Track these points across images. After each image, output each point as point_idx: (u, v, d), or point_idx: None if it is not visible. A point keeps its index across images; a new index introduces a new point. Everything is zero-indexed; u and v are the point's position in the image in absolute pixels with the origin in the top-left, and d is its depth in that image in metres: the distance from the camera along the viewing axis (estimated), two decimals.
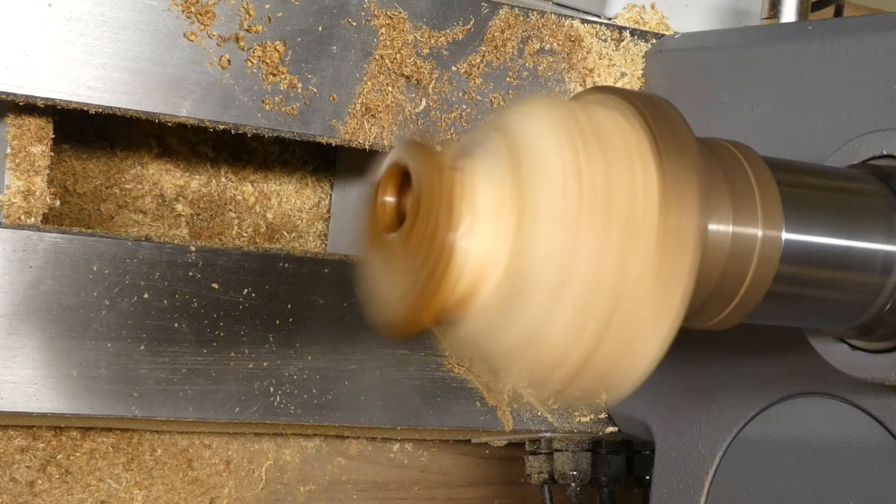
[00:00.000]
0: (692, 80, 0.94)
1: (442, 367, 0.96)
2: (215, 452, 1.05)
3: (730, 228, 0.63)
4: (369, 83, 0.91)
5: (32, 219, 0.84)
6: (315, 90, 0.89)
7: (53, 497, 0.98)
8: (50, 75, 0.81)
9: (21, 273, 0.83)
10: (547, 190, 0.54)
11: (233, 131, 0.87)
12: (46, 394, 0.84)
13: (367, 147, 0.91)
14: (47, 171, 0.85)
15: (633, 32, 1.00)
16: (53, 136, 0.86)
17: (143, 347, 0.86)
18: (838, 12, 1.09)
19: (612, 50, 0.99)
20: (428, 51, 0.92)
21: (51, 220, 0.90)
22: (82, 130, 1.01)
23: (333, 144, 0.91)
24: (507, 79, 0.95)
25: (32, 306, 0.83)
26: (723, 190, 0.63)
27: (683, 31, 1.03)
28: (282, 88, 0.88)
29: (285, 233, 1.08)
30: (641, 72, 1.00)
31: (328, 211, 1.10)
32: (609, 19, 1.04)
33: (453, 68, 0.93)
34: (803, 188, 0.68)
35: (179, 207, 1.04)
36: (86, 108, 0.83)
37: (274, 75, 0.87)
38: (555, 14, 0.97)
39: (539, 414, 1.01)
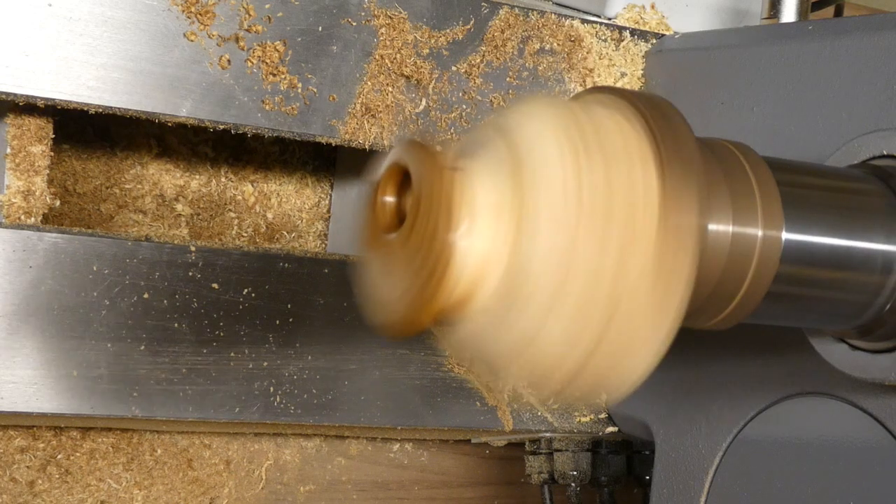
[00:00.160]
0: (692, 80, 0.94)
1: (442, 367, 0.96)
2: (215, 452, 1.05)
3: (730, 228, 0.63)
4: (369, 83, 0.91)
5: (32, 219, 0.84)
6: (315, 90, 0.89)
7: (53, 497, 0.98)
8: (50, 75, 0.81)
9: (21, 273, 0.83)
10: (546, 190, 0.54)
11: (233, 131, 0.87)
12: (46, 394, 0.84)
13: (367, 147, 0.91)
14: (47, 171, 0.85)
15: (633, 32, 1.00)
16: (53, 136, 0.86)
17: (143, 347, 0.86)
18: (838, 12, 1.08)
19: (612, 50, 0.99)
20: (428, 51, 0.92)
21: (51, 220, 0.90)
22: (82, 130, 1.01)
23: (333, 144, 0.91)
24: (507, 79, 0.95)
25: (32, 306, 0.83)
26: (723, 190, 0.63)
27: (683, 31, 1.03)
28: (282, 88, 0.88)
29: (285, 233, 1.08)
30: (641, 72, 1.00)
31: (328, 211, 1.10)
32: (609, 19, 1.04)
33: (453, 68, 0.93)
34: (803, 188, 0.68)
35: (179, 207, 1.04)
36: (86, 108, 0.83)
37: (274, 75, 0.87)
38: (555, 14, 0.97)
39: (539, 414, 1.01)
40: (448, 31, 0.93)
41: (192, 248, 0.88)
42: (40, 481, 0.98)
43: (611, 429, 1.03)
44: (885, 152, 0.73)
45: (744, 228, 0.63)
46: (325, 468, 1.10)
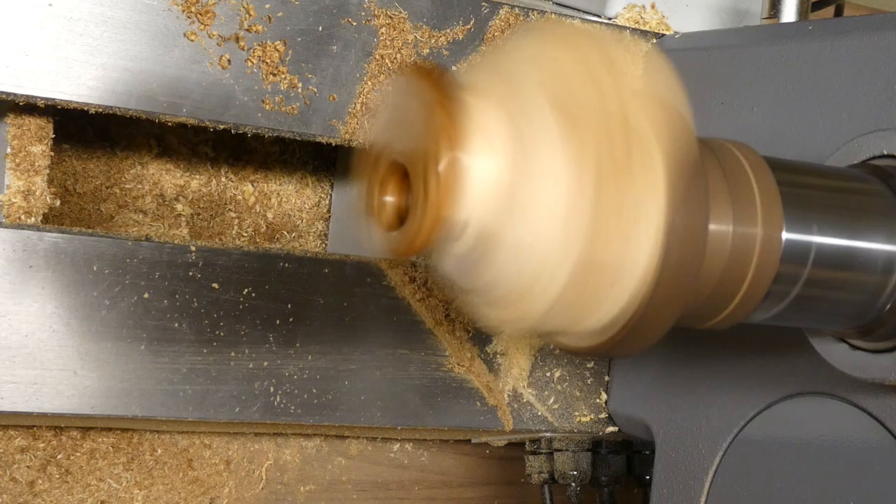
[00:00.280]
0: (692, 80, 0.94)
1: (442, 367, 0.96)
2: (215, 452, 1.05)
3: (730, 228, 0.63)
4: (369, 83, 0.91)
5: (32, 219, 0.84)
6: (315, 90, 0.89)
7: (53, 497, 0.98)
8: (50, 75, 0.81)
9: (21, 273, 0.83)
10: (543, 128, 0.56)
11: (233, 131, 0.87)
12: (46, 394, 0.83)
13: (367, 147, 0.91)
14: (47, 171, 0.85)
15: (633, 32, 1.00)
16: (53, 136, 0.86)
17: (143, 347, 0.86)
18: (838, 12, 1.08)
19: None
20: (428, 51, 0.92)
21: (51, 220, 0.90)
22: (82, 130, 1.01)
23: (333, 144, 0.91)
24: None
25: (33, 306, 0.83)
26: (723, 190, 0.63)
27: (683, 31, 1.03)
28: (282, 88, 0.88)
29: (285, 233, 1.08)
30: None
31: (328, 211, 1.10)
32: (609, 19, 1.04)
33: (454, 68, 0.93)
34: (803, 188, 0.68)
35: (179, 207, 1.04)
36: (86, 108, 0.83)
37: (274, 75, 0.87)
38: (555, 14, 0.97)
39: (539, 414, 1.01)
40: (448, 30, 0.93)
41: (192, 248, 0.88)
42: (40, 481, 0.98)
43: (611, 429, 1.03)
44: (885, 152, 0.73)
45: (744, 228, 0.63)
46: (325, 468, 1.10)
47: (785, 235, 0.64)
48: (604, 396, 1.03)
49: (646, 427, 0.97)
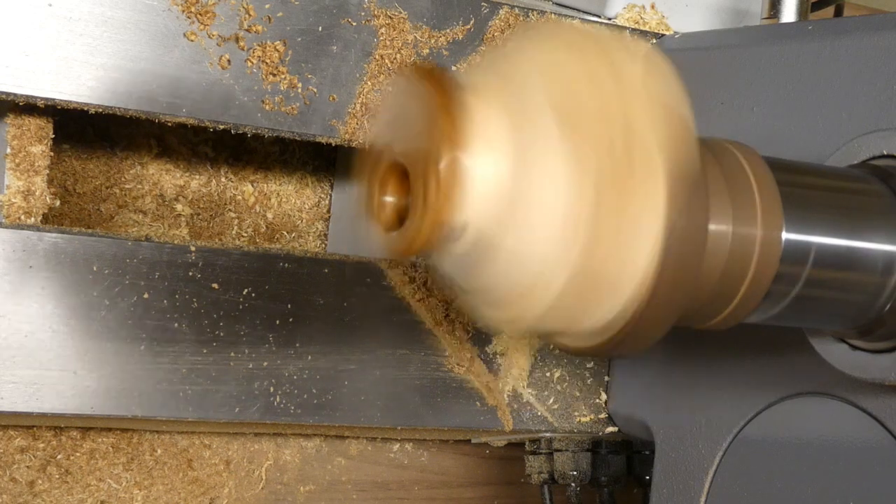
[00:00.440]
0: (692, 80, 0.94)
1: (442, 367, 0.96)
2: (215, 452, 1.05)
3: (729, 228, 0.63)
4: (369, 83, 0.91)
5: (32, 219, 0.84)
6: (315, 90, 0.89)
7: (53, 497, 0.98)
8: (50, 75, 0.81)
9: (21, 273, 0.83)
10: (542, 127, 0.56)
11: (233, 131, 0.87)
12: (46, 394, 0.83)
13: (367, 147, 0.91)
14: (47, 171, 0.85)
15: (632, 32, 1.00)
16: (53, 136, 0.86)
17: (143, 347, 0.86)
18: (838, 12, 1.08)
19: None
20: (428, 51, 0.92)
21: (51, 220, 0.90)
22: (82, 130, 1.01)
23: (333, 144, 0.91)
24: None
25: (32, 306, 0.83)
26: (722, 190, 0.63)
27: (683, 31, 1.03)
28: (282, 88, 0.88)
29: (285, 233, 1.08)
30: None
31: (328, 211, 1.10)
32: (609, 19, 1.04)
33: (453, 68, 0.93)
34: (803, 188, 0.68)
35: (179, 207, 1.04)
36: (86, 108, 0.83)
37: (274, 75, 0.87)
38: (555, 14, 0.97)
39: (539, 414, 1.01)
40: (448, 30, 0.93)
41: (192, 248, 0.88)
42: (40, 481, 0.98)
43: (611, 429, 1.03)
44: (885, 152, 0.73)
45: (743, 229, 0.63)
46: (325, 468, 1.10)
47: (785, 235, 0.64)
48: (603, 396, 1.03)
49: (646, 427, 0.97)
